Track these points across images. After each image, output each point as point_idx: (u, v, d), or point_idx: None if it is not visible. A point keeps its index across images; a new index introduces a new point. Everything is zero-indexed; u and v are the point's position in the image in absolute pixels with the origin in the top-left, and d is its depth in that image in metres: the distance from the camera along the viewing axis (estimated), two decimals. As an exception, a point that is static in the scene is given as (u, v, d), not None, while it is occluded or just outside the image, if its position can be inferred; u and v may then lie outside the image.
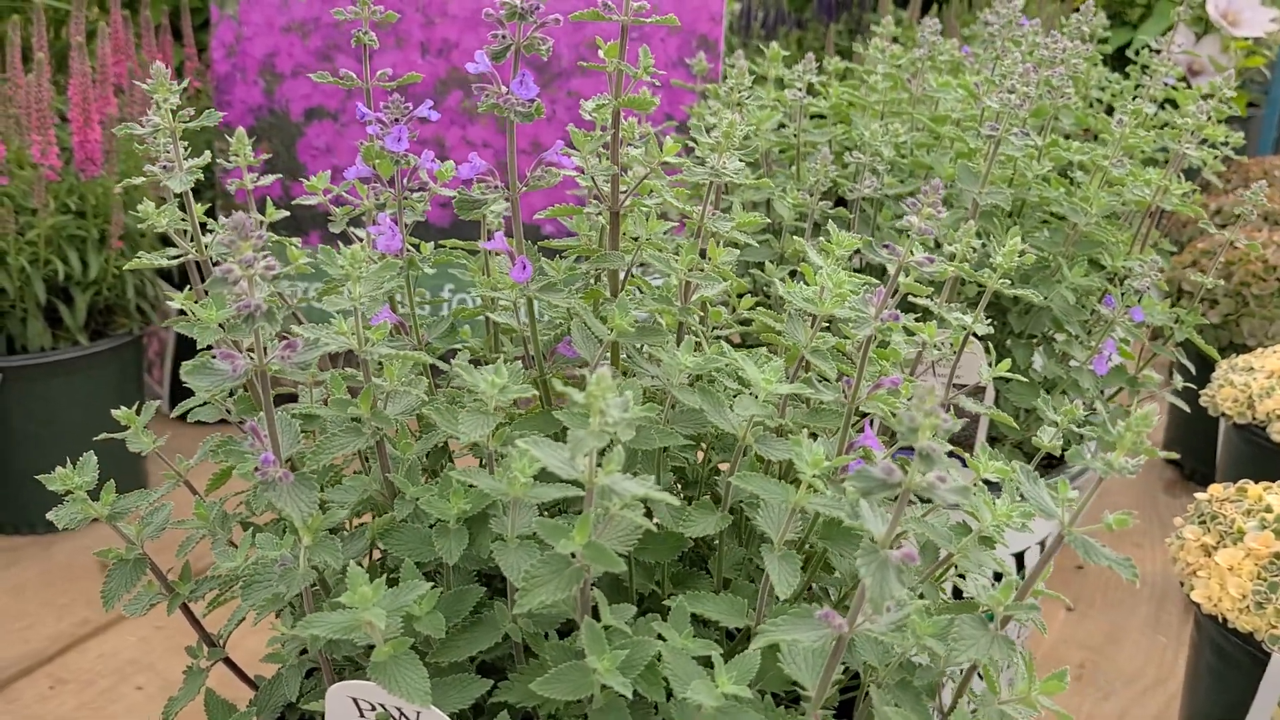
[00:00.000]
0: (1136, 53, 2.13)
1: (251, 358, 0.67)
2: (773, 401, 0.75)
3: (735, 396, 0.81)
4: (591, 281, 0.94)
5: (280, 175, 1.39)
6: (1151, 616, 1.87)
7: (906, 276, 0.80)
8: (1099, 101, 1.89)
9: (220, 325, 0.80)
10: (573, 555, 0.67)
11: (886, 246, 0.72)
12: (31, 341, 2.02)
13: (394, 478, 0.79)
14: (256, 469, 0.69)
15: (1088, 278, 1.29)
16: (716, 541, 0.87)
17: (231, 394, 0.91)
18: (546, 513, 0.77)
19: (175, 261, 0.86)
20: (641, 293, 0.88)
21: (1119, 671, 1.74)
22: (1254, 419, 1.92)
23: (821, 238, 0.86)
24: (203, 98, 2.52)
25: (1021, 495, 0.86)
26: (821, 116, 1.48)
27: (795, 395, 0.83)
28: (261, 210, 1.07)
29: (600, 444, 0.61)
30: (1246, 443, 1.97)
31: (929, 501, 0.85)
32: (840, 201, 1.34)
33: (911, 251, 0.71)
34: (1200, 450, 2.43)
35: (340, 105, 2.25)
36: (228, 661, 0.95)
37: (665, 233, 0.88)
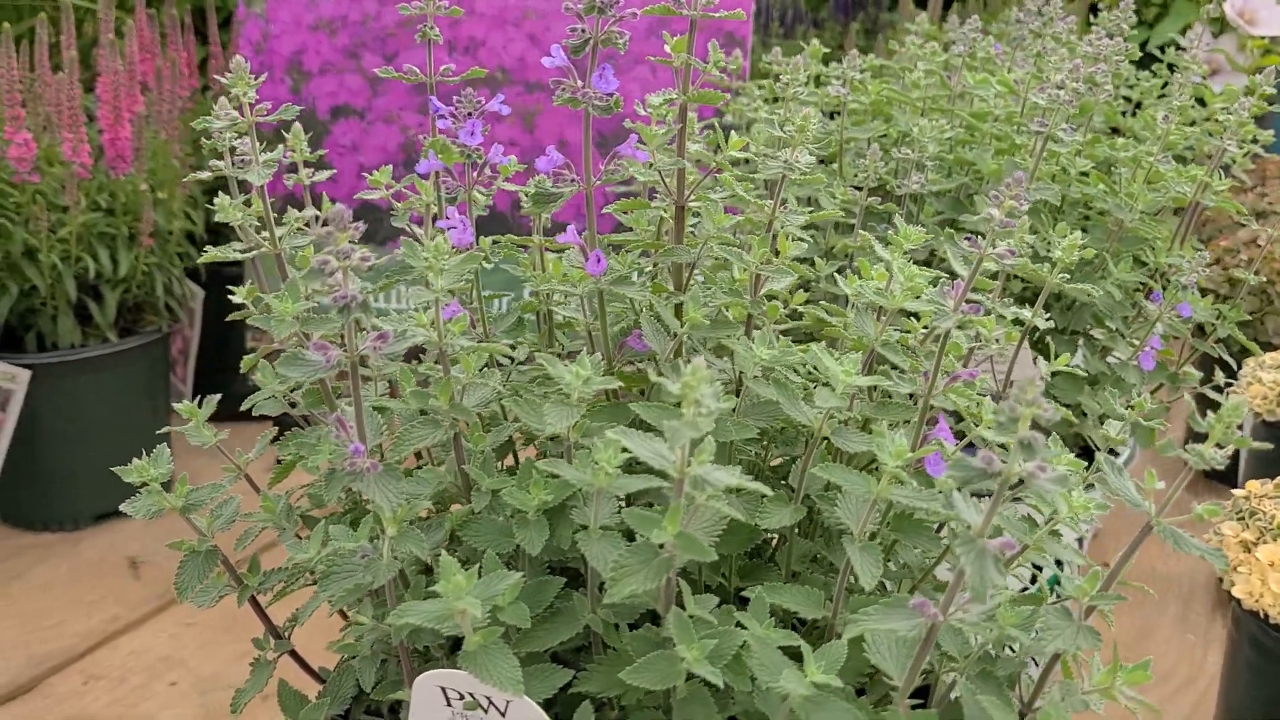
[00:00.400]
0: (1162, 49, 2.13)
1: (335, 349, 0.67)
2: (849, 394, 0.76)
3: (806, 389, 0.82)
4: (652, 277, 0.95)
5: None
6: (1180, 615, 1.88)
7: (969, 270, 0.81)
8: (1126, 99, 1.90)
9: (295, 318, 0.81)
10: (661, 546, 0.67)
11: (968, 239, 0.72)
12: (62, 339, 2.03)
13: (470, 469, 0.79)
14: (343, 460, 0.69)
15: (1130, 271, 1.30)
16: (784, 536, 0.87)
17: (295, 388, 0.91)
18: (622, 504, 0.78)
19: (248, 255, 0.86)
20: (708, 286, 0.88)
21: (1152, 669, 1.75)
22: (1282, 416, 1.93)
23: (889, 231, 0.86)
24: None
25: (1087, 487, 0.87)
26: (861, 112, 1.48)
27: (861, 389, 0.83)
28: (318, 205, 1.07)
29: (696, 434, 0.61)
30: (1274, 439, 1.98)
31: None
32: (884, 198, 1.34)
33: (993, 244, 0.72)
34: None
35: (366, 103, 2.25)
36: (293, 654, 0.95)
37: (730, 227, 0.88)
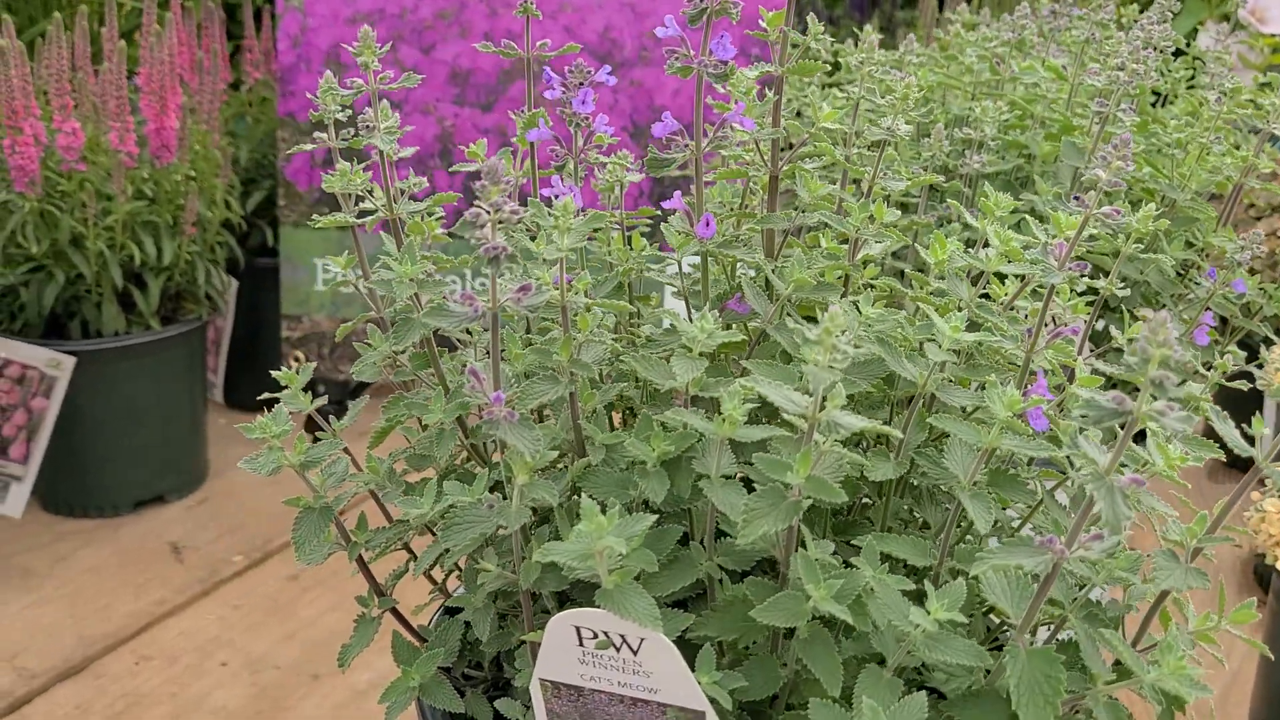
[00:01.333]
0: (1188, 43, 2.17)
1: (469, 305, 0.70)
2: (958, 349, 0.79)
3: (908, 353, 0.85)
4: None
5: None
6: (1212, 594, 1.91)
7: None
8: (1155, 93, 1.94)
9: (413, 279, 0.84)
10: (788, 489, 0.70)
11: (1076, 199, 0.75)
12: (106, 326, 2.05)
13: (586, 425, 0.82)
14: (481, 408, 0.72)
15: (1181, 250, 1.33)
16: (878, 494, 0.90)
17: (403, 351, 0.94)
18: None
19: (366, 220, 0.89)
20: (808, 250, 0.91)
21: (1192, 644, 1.78)
22: (1310, 401, 1.97)
23: (980, 199, 0.89)
24: (258, 88, 2.55)
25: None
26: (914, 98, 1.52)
27: (961, 348, 0.86)
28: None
29: (833, 378, 0.64)
30: (1302, 425, 2.02)
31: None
32: (946, 178, 1.38)
33: (1099, 204, 0.75)
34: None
35: (403, 95, 2.28)
36: (394, 612, 0.98)
37: (824, 196, 0.92)
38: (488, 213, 0.66)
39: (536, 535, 0.79)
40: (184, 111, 2.10)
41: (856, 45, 1.67)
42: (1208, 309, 1.30)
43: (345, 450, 1.03)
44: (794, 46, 0.91)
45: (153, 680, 1.75)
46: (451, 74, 2.28)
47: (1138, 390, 0.61)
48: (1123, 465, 0.66)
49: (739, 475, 0.79)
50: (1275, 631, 1.52)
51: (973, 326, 0.86)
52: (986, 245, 0.92)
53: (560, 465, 0.90)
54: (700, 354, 0.76)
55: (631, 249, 1.07)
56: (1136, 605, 0.78)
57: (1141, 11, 3.52)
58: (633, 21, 2.23)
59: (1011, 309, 0.96)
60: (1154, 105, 1.88)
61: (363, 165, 0.99)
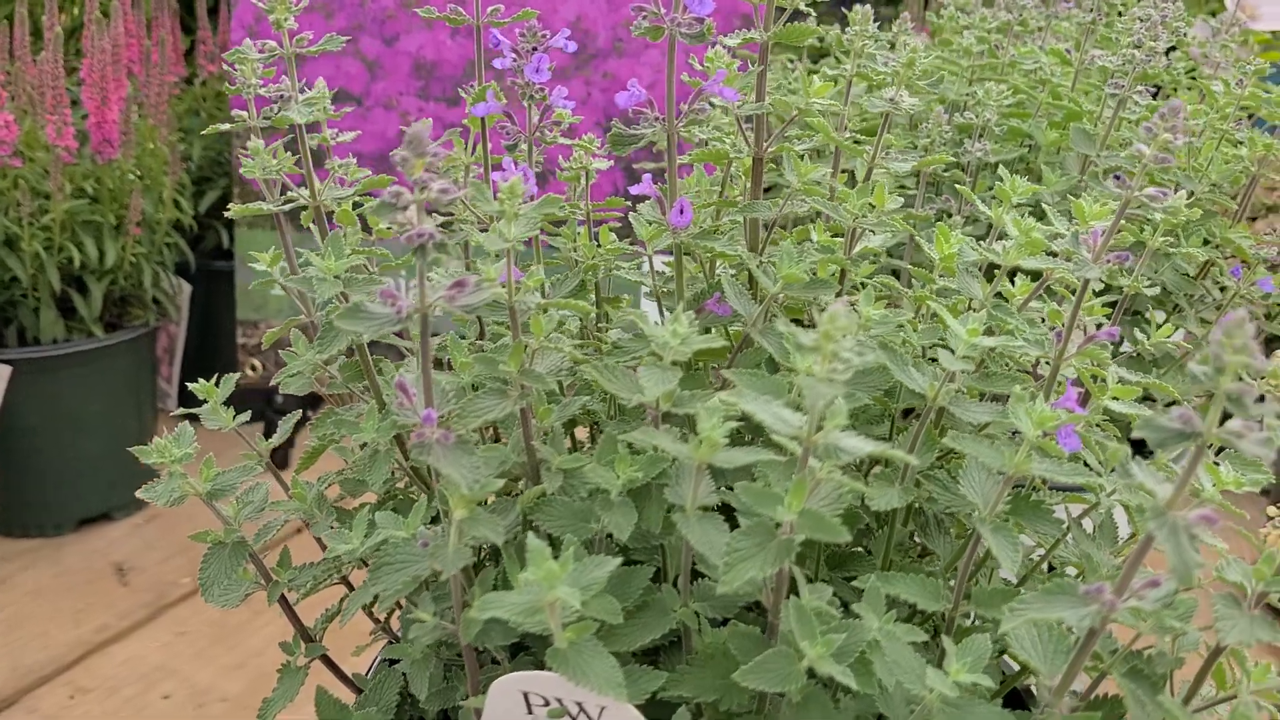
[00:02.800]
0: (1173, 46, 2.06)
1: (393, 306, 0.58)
2: (974, 357, 0.67)
3: (915, 361, 0.73)
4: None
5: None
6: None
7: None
8: (1155, 86, 1.84)
9: (338, 276, 0.71)
10: (777, 526, 0.58)
11: (1117, 178, 0.64)
12: (44, 332, 1.91)
13: (540, 446, 0.70)
14: (410, 430, 0.60)
15: (1199, 246, 1.22)
16: (880, 521, 0.79)
17: (331, 361, 0.82)
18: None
19: (286, 208, 0.77)
20: (796, 243, 0.80)
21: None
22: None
23: (997, 182, 0.77)
24: (213, 82, 2.42)
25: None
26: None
27: (976, 355, 0.75)
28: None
29: (834, 393, 0.52)
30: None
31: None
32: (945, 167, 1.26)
33: (1143, 185, 0.63)
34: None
35: (364, 89, 2.15)
36: (325, 660, 0.85)
37: (817, 179, 0.80)
38: (410, 192, 0.54)
39: (481, 579, 0.67)
40: (129, 105, 1.96)
41: (844, 29, 1.56)
42: (1230, 310, 1.19)
43: (273, 470, 0.91)
44: (780, 11, 0.80)
45: (90, 714, 1.61)
46: (415, 66, 2.15)
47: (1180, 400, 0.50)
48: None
49: (721, 503, 0.67)
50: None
51: (987, 330, 0.74)
52: (1002, 238, 0.80)
53: (516, 491, 0.78)
54: (673, 363, 0.64)
55: (599, 245, 0.95)
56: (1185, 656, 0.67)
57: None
58: (606, 11, 2.11)
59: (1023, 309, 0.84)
60: (1154, 97, 1.77)
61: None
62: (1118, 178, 0.63)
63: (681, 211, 0.71)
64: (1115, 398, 0.72)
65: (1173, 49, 2.00)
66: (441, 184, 0.54)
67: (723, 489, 0.68)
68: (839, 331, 0.52)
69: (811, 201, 0.75)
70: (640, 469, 0.65)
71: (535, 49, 0.75)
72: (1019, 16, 1.35)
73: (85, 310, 1.93)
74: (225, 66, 0.79)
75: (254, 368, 2.24)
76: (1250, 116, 1.44)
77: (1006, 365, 0.84)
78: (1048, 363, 0.74)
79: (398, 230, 0.55)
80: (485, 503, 0.74)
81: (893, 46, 1.31)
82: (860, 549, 0.81)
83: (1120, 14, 1.78)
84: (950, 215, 1.17)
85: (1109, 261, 0.65)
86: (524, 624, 0.58)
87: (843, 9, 3.33)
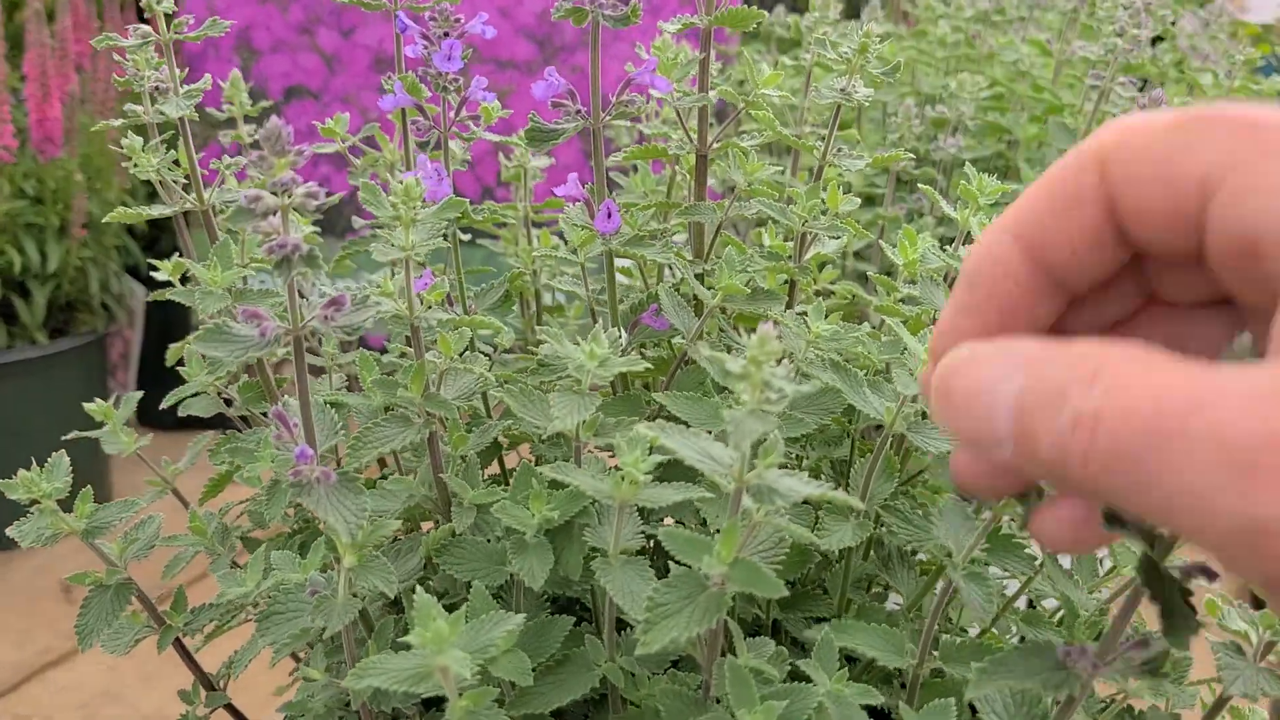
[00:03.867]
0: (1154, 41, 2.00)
1: (280, 321, 0.50)
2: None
3: (872, 381, 0.65)
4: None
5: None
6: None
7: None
8: (1142, 80, 1.77)
9: (228, 290, 0.64)
10: (707, 576, 0.51)
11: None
12: (-16, 340, 1.83)
13: (450, 478, 0.62)
14: (287, 468, 0.52)
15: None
16: (836, 557, 0.71)
17: (233, 380, 0.74)
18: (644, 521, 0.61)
19: (167, 213, 0.69)
20: (739, 250, 0.72)
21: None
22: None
23: (962, 182, 0.70)
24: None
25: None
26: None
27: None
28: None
29: (765, 428, 0.45)
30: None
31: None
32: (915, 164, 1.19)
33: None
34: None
35: (322, 84, 2.07)
36: (230, 709, 0.78)
37: (763, 180, 0.72)
38: (272, 194, 0.46)
39: (379, 632, 0.59)
40: (74, 101, 1.88)
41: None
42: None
43: (179, 497, 0.83)
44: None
45: (29, 743, 1.54)
46: (375, 60, 2.07)
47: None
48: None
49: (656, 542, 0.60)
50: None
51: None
52: (968, 241, 0.73)
53: (427, 528, 0.70)
54: (592, 388, 0.56)
55: (538, 246, 0.87)
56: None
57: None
58: (573, 2, 2.03)
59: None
60: (1140, 91, 1.70)
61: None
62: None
63: (609, 215, 0.63)
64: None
65: (1159, 39, 1.93)
66: (308, 187, 0.46)
67: (655, 524, 0.61)
68: (768, 356, 0.44)
69: (757, 203, 0.68)
70: (558, 507, 0.57)
71: (446, 34, 0.67)
72: (998, 4, 1.28)
73: (28, 317, 1.84)
74: (115, 56, 0.71)
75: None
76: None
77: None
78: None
79: (261, 240, 0.47)
80: (394, 539, 0.66)
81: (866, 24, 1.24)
82: (816, 588, 0.74)
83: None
84: (922, 215, 1.10)
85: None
86: (414, 689, 0.50)
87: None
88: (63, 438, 0.81)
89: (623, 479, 0.53)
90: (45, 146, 1.82)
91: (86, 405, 0.79)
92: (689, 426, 0.57)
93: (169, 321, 2.32)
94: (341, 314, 0.50)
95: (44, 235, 1.85)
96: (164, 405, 0.75)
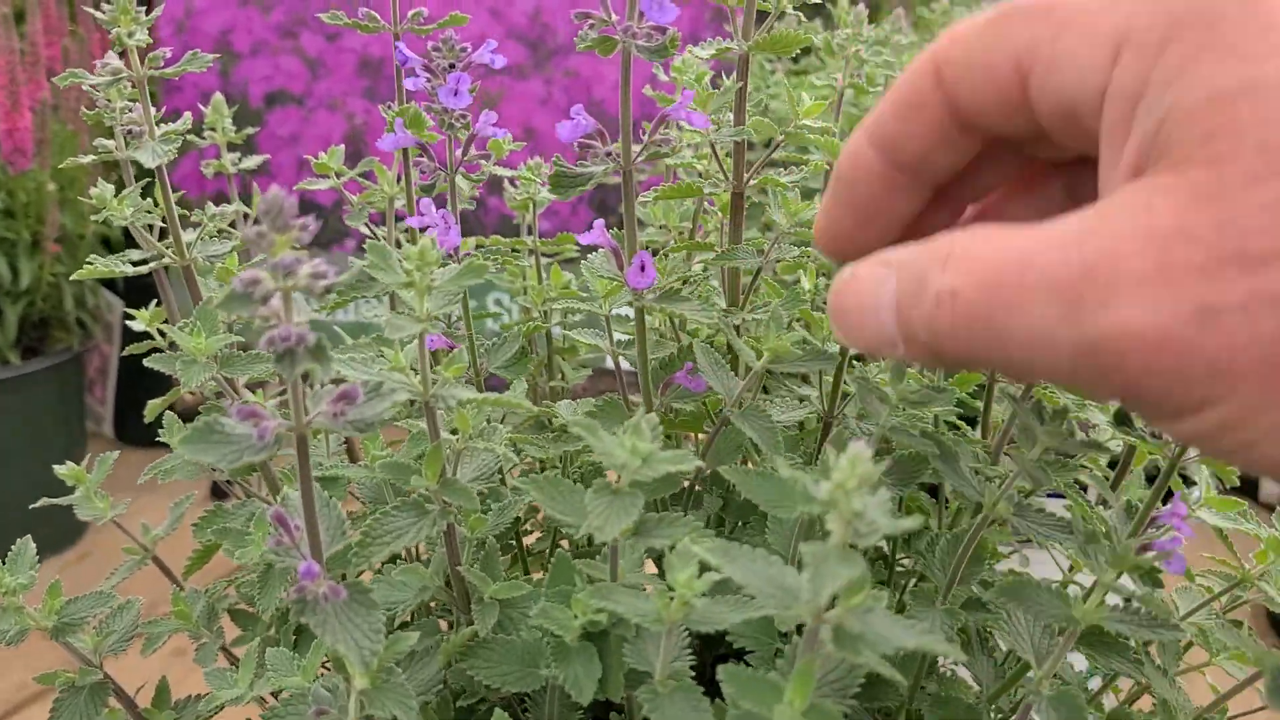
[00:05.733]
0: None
1: (281, 414, 0.43)
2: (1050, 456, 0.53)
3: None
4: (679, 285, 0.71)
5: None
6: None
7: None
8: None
9: (213, 358, 0.56)
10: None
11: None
12: (-47, 361, 1.75)
13: (469, 572, 0.55)
14: (291, 584, 0.45)
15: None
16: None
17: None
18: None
19: (143, 269, 0.61)
20: (776, 294, 0.65)
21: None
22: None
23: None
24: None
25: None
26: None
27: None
28: (246, 202, 0.83)
29: (851, 573, 0.38)
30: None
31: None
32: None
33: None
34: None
35: (306, 88, 1.99)
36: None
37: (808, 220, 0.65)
38: (273, 277, 0.39)
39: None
40: (46, 109, 1.79)
41: (826, 26, 1.41)
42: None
43: (160, 566, 0.76)
44: (763, 16, 0.65)
45: (2, 791, 1.46)
46: (361, 64, 1.99)
47: None
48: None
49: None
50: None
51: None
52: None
53: (445, 622, 0.63)
54: (634, 485, 0.49)
55: (549, 284, 0.80)
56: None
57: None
58: (566, 4, 1.95)
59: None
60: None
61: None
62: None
63: (643, 269, 0.56)
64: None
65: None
66: (314, 265, 0.39)
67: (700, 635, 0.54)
68: (857, 479, 0.37)
69: (802, 249, 0.61)
70: (604, 610, 0.50)
71: (453, 66, 0.60)
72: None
73: (0, 335, 1.76)
74: (86, 87, 0.63)
75: (193, 394, 2.07)
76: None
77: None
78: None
79: (260, 326, 0.40)
80: (404, 624, 0.59)
81: (884, 45, 1.17)
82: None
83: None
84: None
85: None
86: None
87: (825, 2, 3.16)
88: (31, 506, 0.74)
89: (671, 600, 0.46)
90: (16, 158, 1.73)
91: (57, 469, 0.72)
92: (749, 523, 0.50)
93: (145, 335, 2.24)
94: (354, 409, 0.43)
95: (15, 250, 1.76)
96: (142, 477, 0.67)
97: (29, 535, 0.61)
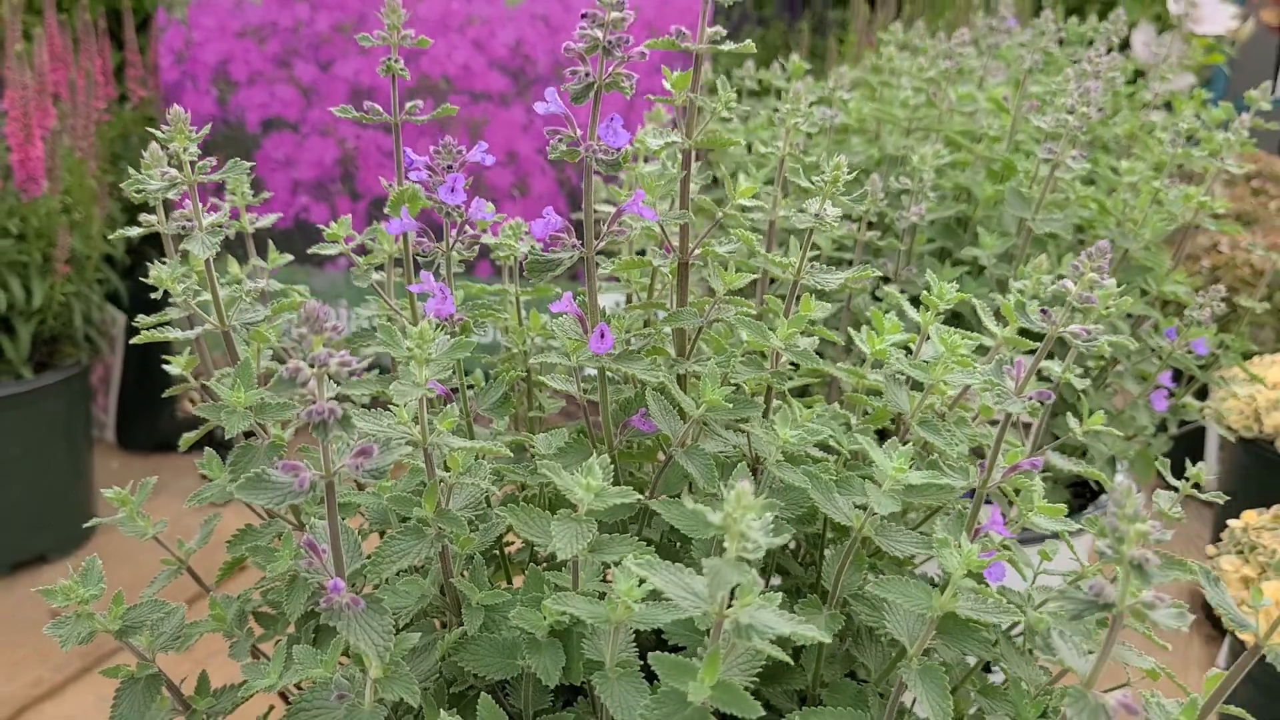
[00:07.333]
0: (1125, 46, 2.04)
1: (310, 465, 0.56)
2: (899, 493, 0.66)
3: (839, 479, 0.72)
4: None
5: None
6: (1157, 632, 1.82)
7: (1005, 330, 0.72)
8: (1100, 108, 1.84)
9: (249, 408, 0.69)
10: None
11: (1044, 312, 0.63)
12: (-29, 377, 1.86)
13: (459, 583, 0.68)
14: (318, 596, 0.58)
15: (1136, 303, 1.22)
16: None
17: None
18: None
19: (192, 335, 0.74)
20: (714, 353, 0.78)
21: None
22: (1261, 432, 1.87)
23: (922, 290, 0.76)
24: (144, 106, 2.36)
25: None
26: (843, 129, 1.39)
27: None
28: (262, 254, 0.95)
29: (743, 578, 0.51)
30: (1251, 456, 1.92)
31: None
32: (881, 229, 1.25)
33: (1069, 319, 0.62)
34: (1187, 456, 2.40)
35: (300, 115, 2.11)
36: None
37: (740, 289, 0.79)
38: (310, 366, 0.52)
39: (398, 729, 0.65)
40: (55, 136, 1.91)
41: (784, 68, 1.54)
42: (1166, 371, 1.19)
43: (193, 576, 0.89)
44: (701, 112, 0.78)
45: (23, 778, 1.58)
46: (352, 91, 2.11)
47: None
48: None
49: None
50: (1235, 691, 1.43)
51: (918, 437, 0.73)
52: (929, 338, 0.80)
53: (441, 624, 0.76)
54: (589, 513, 0.62)
55: (529, 325, 0.93)
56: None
57: (1078, 18, 3.43)
58: (546, 35, 2.08)
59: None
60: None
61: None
62: (1044, 311, 0.62)
63: (602, 336, 0.69)
64: (1044, 514, 0.71)
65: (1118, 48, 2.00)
66: (341, 357, 0.52)
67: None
68: (745, 510, 0.51)
69: (734, 319, 0.74)
70: (565, 612, 0.63)
71: (450, 167, 0.72)
72: (956, 65, 1.34)
73: (13, 352, 1.88)
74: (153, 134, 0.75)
75: (192, 400, 2.20)
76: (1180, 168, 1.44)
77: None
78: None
79: (299, 403, 0.53)
80: (406, 625, 0.72)
81: (828, 101, 1.30)
82: (797, 664, 0.80)
83: (1063, 42, 1.77)
84: (889, 280, 1.16)
85: (1031, 399, 0.64)
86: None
87: (790, 14, 3.28)
88: (84, 525, 0.86)
89: (616, 604, 0.59)
90: (29, 185, 1.85)
91: (104, 492, 0.84)
92: (679, 543, 0.63)
93: (147, 347, 2.35)
94: (369, 461, 0.56)
95: (28, 271, 1.88)
96: (187, 503, 0.80)
97: (95, 558, 0.74)
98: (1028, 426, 1.07)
